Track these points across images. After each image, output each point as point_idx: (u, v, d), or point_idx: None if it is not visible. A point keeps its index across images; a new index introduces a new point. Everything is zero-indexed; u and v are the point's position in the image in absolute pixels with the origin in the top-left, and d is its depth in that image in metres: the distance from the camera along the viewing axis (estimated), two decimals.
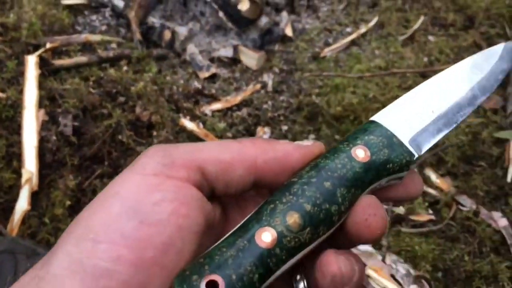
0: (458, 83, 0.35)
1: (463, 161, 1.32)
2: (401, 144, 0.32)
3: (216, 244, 0.28)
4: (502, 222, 1.19)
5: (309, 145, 0.31)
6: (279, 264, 0.27)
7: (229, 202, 0.32)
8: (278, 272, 0.27)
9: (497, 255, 1.13)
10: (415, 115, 0.33)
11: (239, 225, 0.29)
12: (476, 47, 1.62)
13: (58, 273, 0.24)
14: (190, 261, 0.27)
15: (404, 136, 0.32)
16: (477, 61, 0.36)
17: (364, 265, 0.29)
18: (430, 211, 1.23)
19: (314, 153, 0.31)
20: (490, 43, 1.62)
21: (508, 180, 1.24)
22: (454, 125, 0.34)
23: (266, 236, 0.27)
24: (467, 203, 1.23)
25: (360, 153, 0.30)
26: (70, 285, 0.23)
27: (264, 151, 0.30)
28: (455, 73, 0.36)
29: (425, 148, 0.33)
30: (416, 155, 0.32)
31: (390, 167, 0.31)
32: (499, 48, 0.37)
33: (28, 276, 0.25)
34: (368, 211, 0.29)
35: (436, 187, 1.27)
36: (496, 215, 1.20)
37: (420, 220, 1.22)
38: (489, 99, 1.43)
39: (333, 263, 0.27)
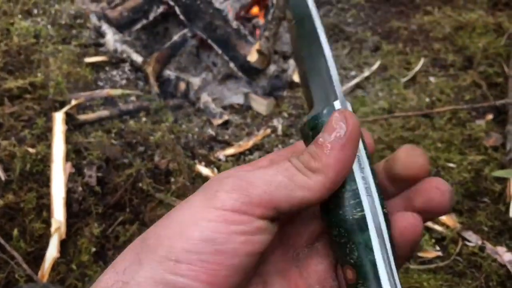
0: None
1: (467, 197, 1.37)
2: None
3: None
4: (507, 256, 1.22)
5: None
6: None
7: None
8: None
9: None
10: None
11: None
12: (476, 86, 1.69)
13: (142, 281, 0.29)
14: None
15: None
16: None
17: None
18: (437, 248, 1.28)
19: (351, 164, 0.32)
20: (489, 82, 1.69)
21: (511, 215, 1.29)
22: None
23: None
24: (473, 239, 1.28)
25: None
26: None
27: (333, 183, 0.31)
28: None
29: None
30: None
31: None
32: None
33: (111, 279, 0.30)
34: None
35: (442, 224, 1.32)
36: (501, 250, 1.24)
37: (428, 256, 1.26)
38: (489, 137, 1.50)
39: None
